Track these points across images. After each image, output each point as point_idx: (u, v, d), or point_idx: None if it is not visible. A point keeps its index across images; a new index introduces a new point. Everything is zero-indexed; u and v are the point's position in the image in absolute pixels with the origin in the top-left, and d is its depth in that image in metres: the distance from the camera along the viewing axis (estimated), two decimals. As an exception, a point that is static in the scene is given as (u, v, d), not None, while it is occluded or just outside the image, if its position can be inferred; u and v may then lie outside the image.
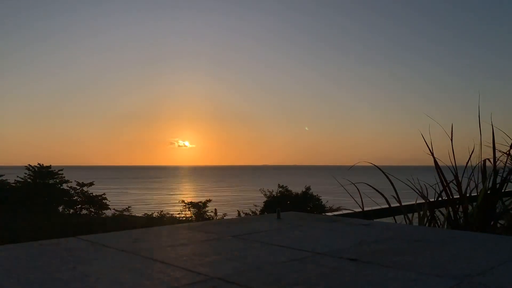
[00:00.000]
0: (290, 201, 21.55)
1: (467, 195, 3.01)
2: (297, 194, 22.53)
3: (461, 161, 3.10)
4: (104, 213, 24.82)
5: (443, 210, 3.02)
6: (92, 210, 25.06)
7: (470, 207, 2.99)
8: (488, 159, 3.09)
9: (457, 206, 2.96)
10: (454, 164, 3.02)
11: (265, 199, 22.75)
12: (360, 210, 3.05)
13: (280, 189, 22.92)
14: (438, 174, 3.03)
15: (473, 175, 3.09)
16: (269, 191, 22.88)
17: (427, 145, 3.10)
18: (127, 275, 1.33)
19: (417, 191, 3.10)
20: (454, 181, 3.04)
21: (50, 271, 1.36)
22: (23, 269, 1.39)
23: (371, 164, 3.29)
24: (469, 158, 3.08)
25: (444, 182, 3.01)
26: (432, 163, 3.08)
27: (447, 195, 3.01)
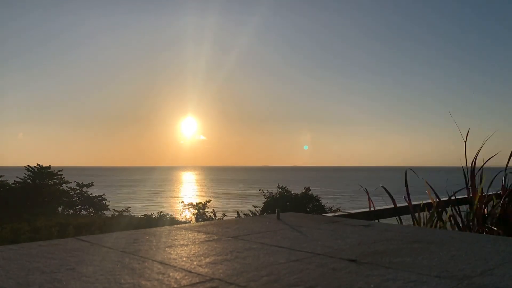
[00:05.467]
0: (290, 202, 21.51)
1: (483, 194, 3.07)
2: (296, 194, 22.49)
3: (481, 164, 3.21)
4: (104, 213, 24.80)
5: (451, 211, 3.05)
6: (92, 210, 25.07)
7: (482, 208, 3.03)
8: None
9: (474, 207, 3.00)
10: (469, 166, 3.10)
11: (264, 199, 22.70)
12: (361, 210, 3.05)
13: (280, 189, 22.87)
14: (464, 175, 3.13)
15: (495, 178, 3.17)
16: (269, 192, 22.84)
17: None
18: (126, 276, 1.33)
19: (429, 190, 3.15)
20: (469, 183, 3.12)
21: (50, 272, 1.36)
22: (22, 270, 1.39)
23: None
24: (484, 162, 3.14)
25: (468, 183, 3.12)
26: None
27: (469, 193, 3.08)
